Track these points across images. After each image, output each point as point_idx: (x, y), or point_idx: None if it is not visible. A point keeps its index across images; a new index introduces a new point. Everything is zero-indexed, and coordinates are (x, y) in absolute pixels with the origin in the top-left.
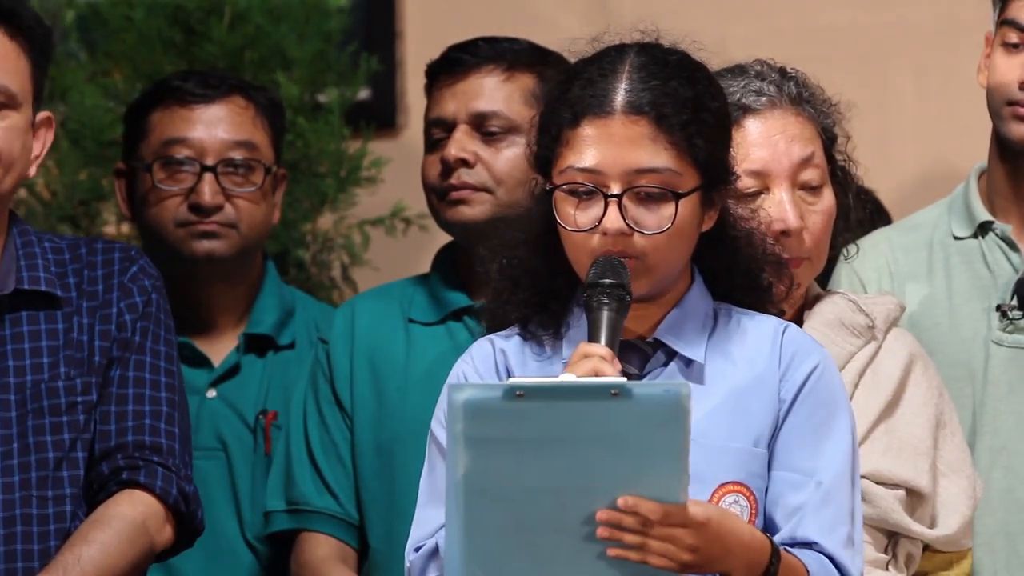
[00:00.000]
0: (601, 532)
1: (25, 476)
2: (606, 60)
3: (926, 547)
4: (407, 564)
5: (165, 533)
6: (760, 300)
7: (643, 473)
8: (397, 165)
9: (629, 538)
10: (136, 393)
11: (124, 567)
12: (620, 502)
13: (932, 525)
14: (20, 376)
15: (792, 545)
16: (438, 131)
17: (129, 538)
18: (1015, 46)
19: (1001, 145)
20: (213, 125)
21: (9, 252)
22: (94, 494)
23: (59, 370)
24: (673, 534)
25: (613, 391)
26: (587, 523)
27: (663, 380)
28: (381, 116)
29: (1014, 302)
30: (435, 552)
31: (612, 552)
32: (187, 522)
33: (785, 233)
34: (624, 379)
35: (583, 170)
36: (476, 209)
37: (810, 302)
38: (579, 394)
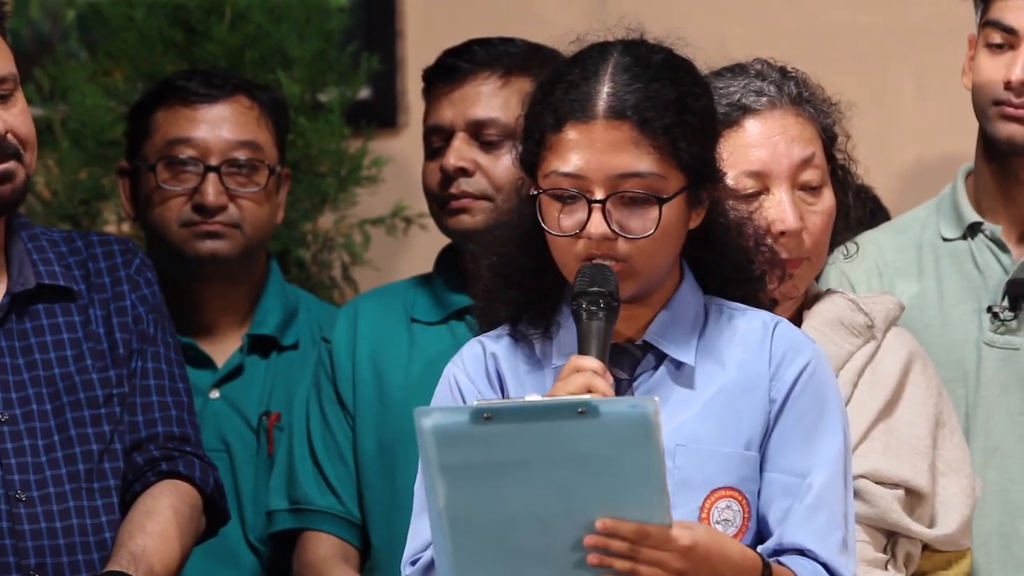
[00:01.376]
0: (591, 559)
1: (72, 469)
2: (588, 61)
3: (925, 547)
4: None
5: (203, 522)
6: (752, 291)
7: (622, 494)
8: (397, 164)
9: (619, 564)
10: (158, 384)
11: (180, 557)
12: (598, 524)
13: (931, 524)
14: (48, 369)
15: (785, 551)
16: (437, 139)
17: (182, 528)
18: (999, 46)
19: (988, 145)
20: (217, 125)
21: (18, 246)
22: (128, 484)
23: (85, 363)
24: (660, 558)
25: (580, 409)
26: (574, 549)
27: (653, 384)
28: (382, 115)
29: (1005, 303)
30: (431, 566)
31: None
32: (219, 512)
33: (784, 234)
34: (589, 396)
35: (567, 175)
36: (477, 217)
37: (809, 301)
38: (546, 414)
